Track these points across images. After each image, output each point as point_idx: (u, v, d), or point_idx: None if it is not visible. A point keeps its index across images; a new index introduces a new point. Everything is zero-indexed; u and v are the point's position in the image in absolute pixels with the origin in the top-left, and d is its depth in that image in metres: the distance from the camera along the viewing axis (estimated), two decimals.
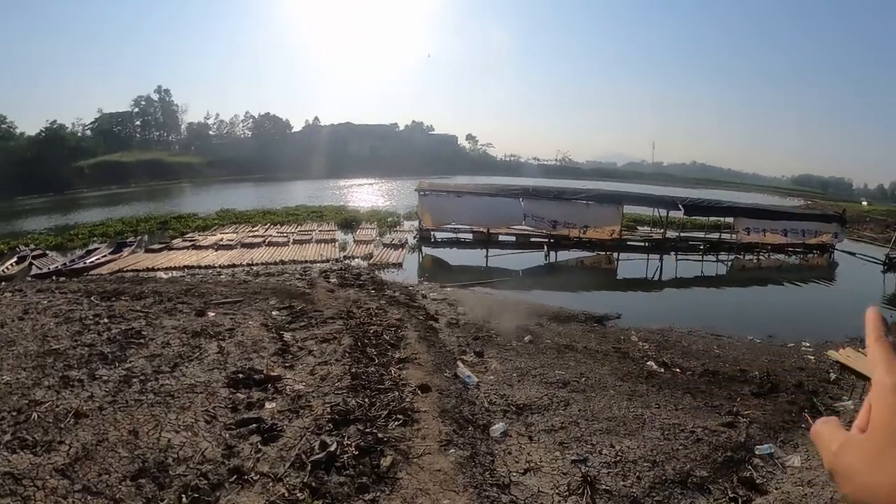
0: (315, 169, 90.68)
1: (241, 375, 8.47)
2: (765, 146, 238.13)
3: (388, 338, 10.76)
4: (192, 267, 22.36)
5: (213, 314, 12.45)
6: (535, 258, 27.94)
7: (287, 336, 10.84)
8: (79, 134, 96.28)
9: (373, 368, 8.91)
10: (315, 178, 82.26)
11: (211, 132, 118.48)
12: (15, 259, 23.99)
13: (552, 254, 27.78)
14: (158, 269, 21.90)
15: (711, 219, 34.81)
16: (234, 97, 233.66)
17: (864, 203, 64.43)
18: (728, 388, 10.80)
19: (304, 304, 13.55)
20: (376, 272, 21.31)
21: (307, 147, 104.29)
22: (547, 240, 29.55)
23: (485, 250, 28.34)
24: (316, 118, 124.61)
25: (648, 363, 12.15)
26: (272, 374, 8.65)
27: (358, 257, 24.60)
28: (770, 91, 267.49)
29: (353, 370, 8.80)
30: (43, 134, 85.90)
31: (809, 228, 31.31)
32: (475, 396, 8.90)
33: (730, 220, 32.93)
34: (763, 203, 44.34)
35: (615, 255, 29.07)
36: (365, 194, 62.61)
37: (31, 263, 23.41)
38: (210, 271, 21.33)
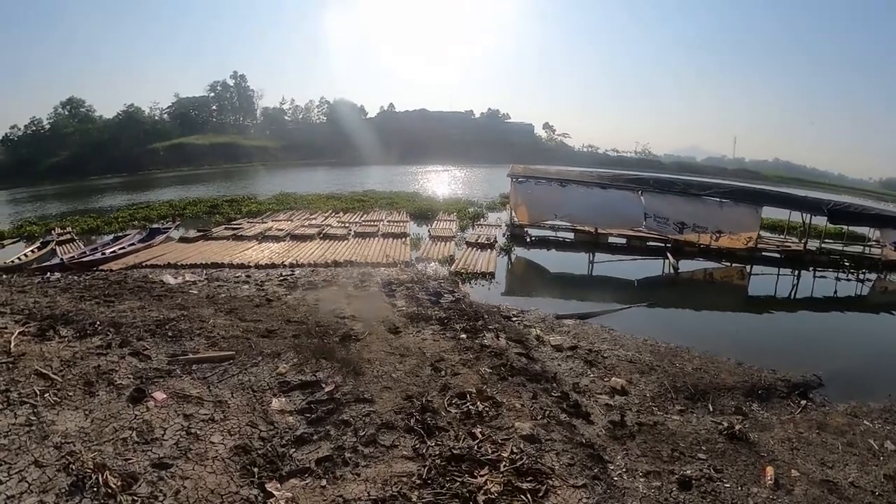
0: (388, 154, 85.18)
1: None
2: (849, 146, 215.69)
3: None
4: (220, 265, 16.41)
5: (162, 397, 6.08)
6: (649, 266, 20.76)
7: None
8: (155, 117, 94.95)
9: None
10: (388, 163, 76.34)
11: (286, 117, 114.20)
12: (38, 244, 20.37)
13: (675, 263, 20.40)
14: (179, 266, 16.28)
15: (850, 229, 26.34)
16: (311, 83, 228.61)
17: None
18: None
19: (340, 373, 6.96)
20: (461, 285, 14.64)
21: (381, 133, 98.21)
22: (664, 245, 22.26)
23: (588, 255, 21.34)
24: (391, 104, 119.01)
25: None
26: None
27: (435, 260, 17.95)
28: (857, 88, 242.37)
29: None
30: (120, 117, 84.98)
31: None
32: None
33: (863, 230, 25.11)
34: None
35: (748, 268, 21.50)
36: (439, 181, 55.42)
37: (53, 249, 19.67)
38: (238, 273, 15.20)
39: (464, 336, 9.21)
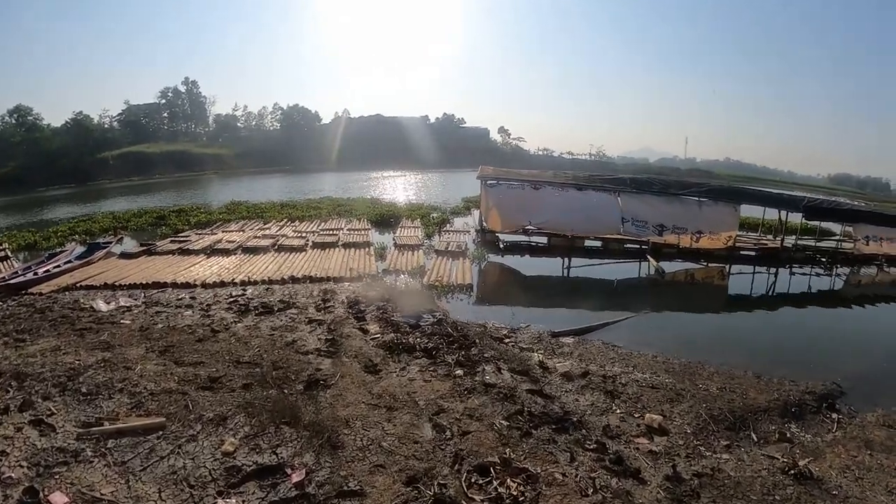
0: (344, 160, 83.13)
1: None
2: (797, 144, 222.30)
3: None
4: (163, 285, 14.18)
5: (63, 502, 4.06)
6: (628, 269, 19.59)
7: None
8: (105, 125, 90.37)
9: None
10: (344, 169, 74.49)
11: (239, 124, 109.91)
12: None
13: (656, 265, 19.14)
14: (117, 287, 14.03)
15: (821, 224, 25.87)
16: (264, 89, 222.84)
17: None
18: None
19: (310, 448, 5.04)
20: (437, 301, 12.86)
21: (336, 139, 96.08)
22: (640, 246, 21.06)
23: (563, 259, 19.98)
24: (346, 110, 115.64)
25: None
26: None
27: (404, 272, 16.10)
28: (804, 87, 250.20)
29: None
30: (69, 125, 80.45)
31: None
32: None
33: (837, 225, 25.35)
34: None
35: (727, 267, 20.59)
36: (396, 187, 53.50)
37: None
38: (182, 295, 13.04)
39: (459, 372, 7.38)
